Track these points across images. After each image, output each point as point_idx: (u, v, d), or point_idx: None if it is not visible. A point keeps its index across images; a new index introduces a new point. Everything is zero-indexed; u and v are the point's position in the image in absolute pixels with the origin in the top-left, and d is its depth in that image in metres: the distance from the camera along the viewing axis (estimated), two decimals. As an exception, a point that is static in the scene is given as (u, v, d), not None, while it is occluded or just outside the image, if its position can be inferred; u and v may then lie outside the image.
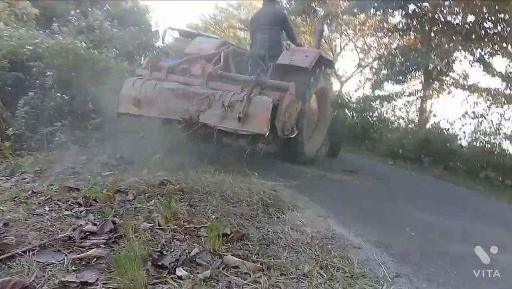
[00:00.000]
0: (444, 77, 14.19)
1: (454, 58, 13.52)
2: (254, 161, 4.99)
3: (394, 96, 13.95)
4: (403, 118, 12.58)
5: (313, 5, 17.15)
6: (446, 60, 13.03)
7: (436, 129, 10.21)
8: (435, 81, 14.21)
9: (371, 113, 12.26)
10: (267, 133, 4.02)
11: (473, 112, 10.41)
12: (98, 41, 9.98)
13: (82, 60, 6.03)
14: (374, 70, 15.21)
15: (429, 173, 8.16)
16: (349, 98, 14.04)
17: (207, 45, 5.61)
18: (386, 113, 12.99)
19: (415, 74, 13.72)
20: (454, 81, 14.52)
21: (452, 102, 14.86)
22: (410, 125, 10.06)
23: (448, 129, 9.46)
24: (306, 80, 5.17)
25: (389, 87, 13.84)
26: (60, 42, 6.15)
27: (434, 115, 12.84)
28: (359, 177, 5.30)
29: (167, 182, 2.73)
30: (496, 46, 12.71)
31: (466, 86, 14.23)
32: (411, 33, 14.33)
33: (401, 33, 14.50)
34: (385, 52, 14.59)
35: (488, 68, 13.21)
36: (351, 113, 12.63)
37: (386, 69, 13.54)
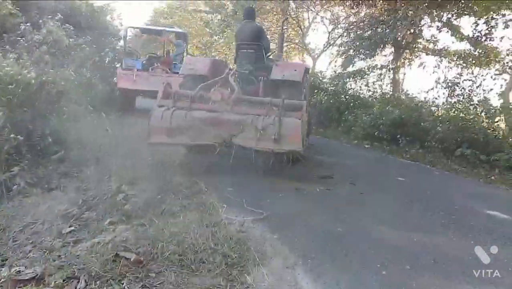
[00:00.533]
0: (414, 45, 14.11)
1: (421, 25, 13.40)
2: (224, 179, 4.91)
3: (366, 70, 13.88)
4: (376, 94, 12.52)
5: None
6: (414, 30, 12.92)
7: (410, 102, 10.18)
8: (405, 51, 14.14)
9: (345, 95, 12.17)
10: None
11: (445, 81, 10.38)
12: (56, 55, 9.57)
13: (34, 90, 5.74)
14: (343, 46, 15.01)
15: (406, 153, 8.17)
16: (321, 78, 13.91)
17: (199, 65, 6.14)
18: (360, 90, 12.93)
19: (384, 47, 13.60)
20: (424, 47, 14.48)
21: (424, 74, 14.81)
22: (384, 105, 9.94)
23: (421, 102, 9.41)
24: (299, 92, 5.72)
25: (360, 63, 13.76)
26: (7, 73, 5.82)
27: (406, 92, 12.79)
28: (334, 182, 5.22)
29: (121, 256, 2.58)
30: (464, 7, 12.62)
31: (436, 51, 14.21)
32: (377, 3, 14.15)
33: (367, 3, 14.33)
34: (353, 27, 14.33)
35: (456, 32, 13.17)
36: (325, 95, 12.53)
37: (354, 46, 13.38)
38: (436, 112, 9.54)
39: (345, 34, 15.56)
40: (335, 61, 18.34)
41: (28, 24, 9.73)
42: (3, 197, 4.32)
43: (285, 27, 16.52)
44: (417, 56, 14.76)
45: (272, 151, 4.84)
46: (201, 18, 28.16)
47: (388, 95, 11.69)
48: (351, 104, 11.65)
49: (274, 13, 19.50)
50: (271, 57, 6.70)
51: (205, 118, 4.98)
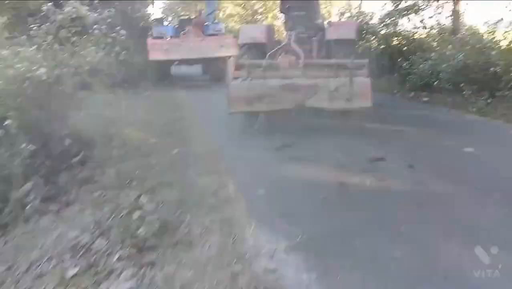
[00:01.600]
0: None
1: None
2: (255, 173, 4.29)
3: (421, 3, 12.19)
4: (433, 31, 10.96)
5: None
6: None
7: (475, 41, 8.68)
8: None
9: (397, 37, 10.75)
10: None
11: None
12: (80, 32, 9.12)
13: (48, 87, 5.29)
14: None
15: (472, 106, 7.00)
16: (369, 20, 12.46)
17: (256, 33, 6.49)
18: (415, 29, 11.39)
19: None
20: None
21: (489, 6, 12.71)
22: (444, 47, 8.56)
23: (489, 42, 7.92)
24: (354, 50, 6.12)
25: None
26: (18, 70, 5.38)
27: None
28: (387, 166, 4.39)
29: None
30: None
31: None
32: None
33: None
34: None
35: None
36: (375, 39, 11.20)
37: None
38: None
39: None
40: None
41: (50, 3, 9.29)
42: (18, 218, 3.99)
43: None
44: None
45: (344, 109, 5.38)
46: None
47: (447, 33, 10.13)
48: (405, 48, 10.29)
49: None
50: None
51: (280, 85, 5.39)
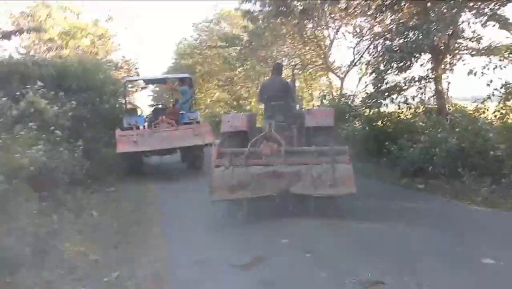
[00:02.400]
0: (454, 48, 11.99)
1: (460, 24, 11.32)
2: None
3: (403, 85, 11.85)
4: (419, 111, 10.46)
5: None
6: (452, 31, 10.87)
7: (467, 123, 7.97)
8: (446, 56, 12.01)
9: (381, 119, 10.19)
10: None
11: (505, 85, 8.16)
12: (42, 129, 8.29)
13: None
14: (371, 62, 13.07)
15: (476, 195, 6.11)
16: (351, 102, 12.02)
17: (237, 122, 6.49)
18: (399, 110, 10.90)
19: (420, 55, 11.57)
20: (466, 47, 12.31)
21: (470, 79, 12.39)
22: (434, 130, 7.88)
23: (483, 124, 7.23)
24: (333, 136, 6.18)
25: (394, 78, 11.74)
26: None
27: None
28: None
29: None
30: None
31: (482, 50, 12.00)
32: (403, 7, 12.25)
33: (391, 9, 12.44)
34: (379, 38, 12.44)
35: (506, 24, 10.99)
36: (358, 121, 10.62)
37: (384, 59, 11.42)
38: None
39: (371, 47, 13.68)
40: (366, 79, 16.49)
41: (4, 98, 8.57)
42: None
43: (295, 71, 15.10)
44: (460, 59, 12.57)
45: (329, 196, 5.38)
46: (218, 54, 27.07)
47: (435, 114, 9.56)
48: (391, 130, 9.65)
49: (290, 35, 17.91)
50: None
51: (263, 172, 5.55)
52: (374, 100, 11.24)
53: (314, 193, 5.32)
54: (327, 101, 15.96)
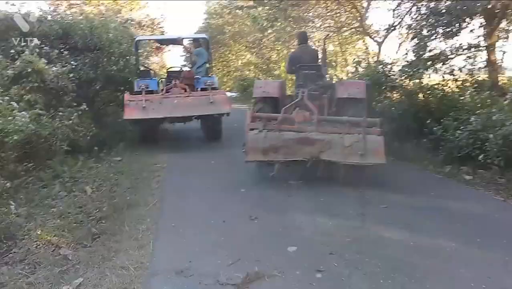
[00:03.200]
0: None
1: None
2: None
3: (449, 53, 10.35)
4: (467, 85, 9.06)
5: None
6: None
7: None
8: (502, 20, 10.36)
9: (423, 92, 8.87)
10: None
11: None
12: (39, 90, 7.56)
13: None
14: (413, 26, 11.49)
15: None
16: (388, 71, 10.65)
17: (270, 88, 6.82)
18: (444, 82, 9.51)
19: (471, 19, 10.01)
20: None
21: None
22: (486, 109, 6.61)
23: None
24: (363, 108, 6.25)
25: (439, 45, 10.25)
26: None
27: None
28: None
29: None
30: None
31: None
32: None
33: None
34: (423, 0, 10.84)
35: None
36: (396, 93, 9.34)
37: (428, 23, 9.93)
38: None
39: (414, 9, 12.06)
40: (407, 46, 14.83)
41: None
42: None
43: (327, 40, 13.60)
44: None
45: (358, 164, 5.44)
46: (248, 15, 25.57)
47: (487, 90, 8.15)
48: (434, 106, 8.35)
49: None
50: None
51: (295, 138, 5.75)
52: (415, 70, 9.86)
53: (344, 161, 5.49)
54: (362, 69, 14.61)
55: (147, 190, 6.11)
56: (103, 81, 9.47)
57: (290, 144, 5.72)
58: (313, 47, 7.82)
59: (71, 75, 7.92)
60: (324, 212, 4.84)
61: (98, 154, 8.10)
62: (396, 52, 15.07)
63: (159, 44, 12.40)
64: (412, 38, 11.11)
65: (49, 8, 16.71)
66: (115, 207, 5.21)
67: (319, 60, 7.49)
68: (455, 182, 6.06)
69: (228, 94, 32.01)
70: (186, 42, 11.26)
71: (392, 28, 14.49)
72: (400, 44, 15.64)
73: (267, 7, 19.45)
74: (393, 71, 10.16)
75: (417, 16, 10.88)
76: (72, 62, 8.08)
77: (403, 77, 10.11)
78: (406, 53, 11.50)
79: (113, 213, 5.03)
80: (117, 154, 8.43)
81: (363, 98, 6.33)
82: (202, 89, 9.52)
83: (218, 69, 38.80)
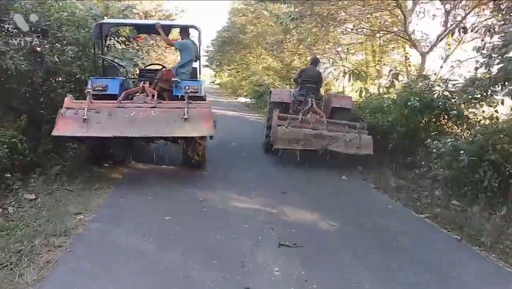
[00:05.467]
0: None
1: None
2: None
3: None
4: None
5: None
6: None
7: None
8: None
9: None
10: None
11: None
12: None
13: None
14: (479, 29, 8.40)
15: None
16: (443, 90, 7.65)
17: (284, 96, 9.18)
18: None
19: None
20: None
21: None
22: None
23: None
24: (349, 115, 8.63)
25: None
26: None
27: None
28: None
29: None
30: None
31: None
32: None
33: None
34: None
35: None
36: (459, 128, 6.33)
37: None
38: None
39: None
40: (454, 58, 11.59)
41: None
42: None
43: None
44: None
45: (355, 154, 7.75)
46: (270, 13, 22.71)
47: None
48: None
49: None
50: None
51: (312, 133, 7.76)
52: (484, 91, 6.84)
53: (345, 151, 7.73)
54: (401, 82, 11.56)
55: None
56: (42, 76, 6.76)
57: (308, 138, 7.69)
58: (319, 69, 10.50)
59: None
60: None
61: (8, 184, 5.44)
62: (440, 66, 11.99)
63: (136, 33, 9.60)
64: (479, 49, 7.90)
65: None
66: None
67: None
68: None
69: (243, 100, 29.02)
70: (174, 31, 8.45)
71: (446, 34, 11.42)
72: (445, 57, 12.60)
73: (293, 5, 16.60)
74: (454, 93, 7.15)
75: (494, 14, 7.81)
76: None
77: (464, 102, 7.10)
78: (455, 66, 8.86)
79: None
80: (37, 186, 5.72)
81: (351, 108, 8.85)
82: (181, 98, 6.72)
83: (238, 72, 36.14)
